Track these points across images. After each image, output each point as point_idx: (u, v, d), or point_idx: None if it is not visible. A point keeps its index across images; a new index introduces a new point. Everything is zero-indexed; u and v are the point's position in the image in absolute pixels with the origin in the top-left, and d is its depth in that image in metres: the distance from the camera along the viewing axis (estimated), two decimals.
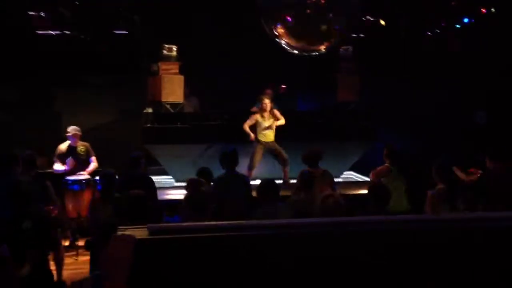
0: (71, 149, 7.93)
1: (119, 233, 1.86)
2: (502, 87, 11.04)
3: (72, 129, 7.98)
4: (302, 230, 2.29)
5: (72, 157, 7.81)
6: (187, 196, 4.22)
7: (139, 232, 1.92)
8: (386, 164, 6.75)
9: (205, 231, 1.96)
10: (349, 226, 2.43)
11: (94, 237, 3.78)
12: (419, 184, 6.96)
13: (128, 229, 1.94)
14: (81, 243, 7.41)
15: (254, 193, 5.81)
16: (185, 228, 1.99)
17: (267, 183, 5.40)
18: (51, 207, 6.08)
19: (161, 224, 1.96)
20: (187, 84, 9.92)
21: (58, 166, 7.84)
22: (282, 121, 8.89)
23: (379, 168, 6.77)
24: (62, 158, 7.84)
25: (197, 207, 4.06)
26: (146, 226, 1.94)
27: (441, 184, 5.41)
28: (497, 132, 10.74)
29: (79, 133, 8.00)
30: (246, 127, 8.80)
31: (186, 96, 10.14)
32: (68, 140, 7.98)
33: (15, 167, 6.00)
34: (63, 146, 7.97)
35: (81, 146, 8.01)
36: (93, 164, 8.00)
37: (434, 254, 2.32)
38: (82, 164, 7.93)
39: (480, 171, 6.49)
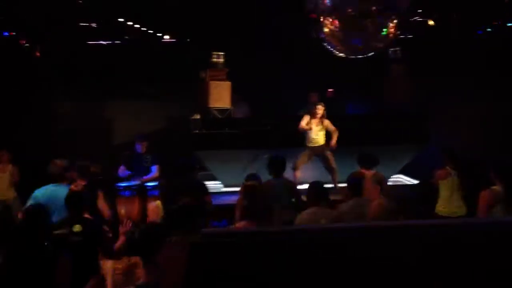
0: (137, 156, 8.14)
1: (173, 237, 1.87)
2: None
3: (138, 137, 8.22)
4: (355, 234, 2.23)
5: (136, 164, 8.04)
6: (244, 205, 4.07)
7: (193, 237, 1.92)
8: (447, 168, 6.69)
9: (258, 236, 1.94)
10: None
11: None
12: (476, 187, 6.81)
13: (182, 233, 1.94)
14: None
15: (304, 198, 5.77)
16: (239, 233, 1.97)
17: (316, 186, 5.34)
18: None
19: (215, 229, 1.95)
20: (237, 91, 10.00)
21: (122, 171, 8.09)
22: (335, 133, 8.69)
23: (439, 171, 6.74)
24: (127, 164, 8.08)
25: (255, 216, 3.94)
26: (199, 230, 1.94)
27: (499, 185, 5.23)
28: None
29: (145, 141, 8.19)
30: (302, 126, 8.60)
31: (236, 102, 10.23)
32: (136, 147, 8.17)
33: (69, 176, 6.17)
34: (130, 152, 8.21)
35: (147, 154, 8.18)
36: (154, 173, 8.13)
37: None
38: (145, 171, 8.09)
39: None
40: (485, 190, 5.25)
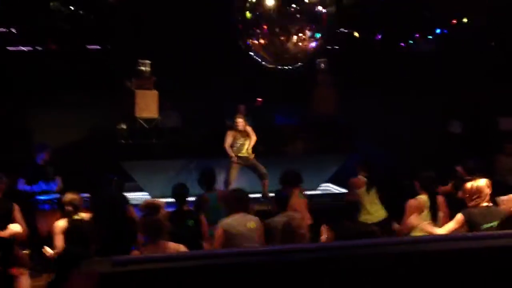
0: (38, 168, 7.62)
1: (80, 267, 1.71)
2: (476, 98, 11.18)
3: (39, 146, 7.69)
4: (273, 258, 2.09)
5: (37, 176, 7.52)
6: (141, 221, 4.07)
7: (102, 265, 1.77)
8: (360, 176, 6.91)
9: (174, 261, 1.81)
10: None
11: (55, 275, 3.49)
12: (395, 193, 7.05)
13: (90, 262, 1.78)
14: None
15: None
16: (152, 259, 1.84)
17: (236, 193, 5.33)
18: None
19: (126, 256, 1.81)
20: (167, 99, 9.84)
21: (21, 184, 7.53)
22: (253, 140, 8.76)
23: (353, 179, 6.89)
24: (27, 177, 7.52)
25: (151, 232, 3.94)
26: (109, 258, 1.79)
27: (424, 194, 5.50)
28: (472, 142, 10.85)
29: (47, 151, 7.64)
30: (227, 147, 8.64)
31: (167, 110, 10.05)
32: (37, 157, 7.62)
33: None
34: (30, 164, 7.65)
35: (49, 165, 7.67)
36: (57, 185, 7.73)
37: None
38: (47, 183, 7.68)
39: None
40: (411, 199, 5.49)
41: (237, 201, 5.19)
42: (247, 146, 8.74)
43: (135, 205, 8.24)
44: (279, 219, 5.39)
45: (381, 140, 10.76)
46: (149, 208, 4.19)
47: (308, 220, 6.21)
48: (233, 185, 8.68)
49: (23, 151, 9.97)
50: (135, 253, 3.98)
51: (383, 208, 6.92)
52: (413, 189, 5.67)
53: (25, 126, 10.65)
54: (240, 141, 8.70)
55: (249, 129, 8.79)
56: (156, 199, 5.67)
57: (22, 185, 7.50)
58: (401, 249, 2.04)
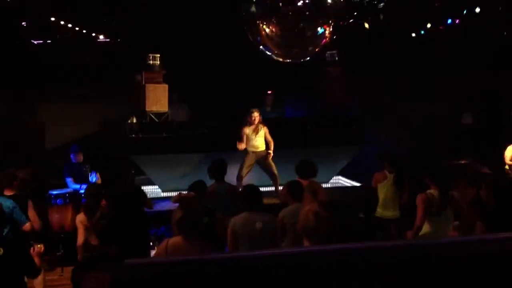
0: (75, 166, 8.28)
1: (93, 272, 1.69)
2: (488, 88, 11.08)
3: (74, 147, 8.35)
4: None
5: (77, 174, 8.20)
6: (179, 216, 3.92)
7: (115, 269, 1.74)
8: (384, 171, 6.89)
9: (188, 265, 1.78)
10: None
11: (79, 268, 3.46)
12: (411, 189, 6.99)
13: (103, 266, 1.76)
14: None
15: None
16: (168, 263, 1.80)
17: (250, 190, 5.30)
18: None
19: (141, 259, 1.78)
20: (176, 92, 9.86)
21: (71, 183, 8.16)
22: (271, 143, 8.65)
23: (376, 174, 6.91)
24: (73, 175, 8.21)
25: (189, 228, 3.83)
26: (123, 261, 1.76)
27: (434, 189, 5.40)
28: (483, 133, 10.77)
29: (81, 151, 8.35)
30: (241, 146, 8.56)
31: (176, 103, 10.05)
32: (71, 157, 8.29)
33: None
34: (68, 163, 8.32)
35: (84, 162, 8.36)
36: (97, 180, 8.10)
37: None
38: (84, 180, 8.09)
39: None
40: (421, 194, 5.40)
41: (247, 199, 5.16)
42: (261, 143, 8.66)
43: (153, 199, 8.38)
44: (287, 209, 5.46)
45: (392, 131, 10.70)
46: (185, 202, 4.07)
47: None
48: (245, 179, 8.66)
49: (34, 144, 10.06)
50: (162, 247, 3.82)
51: (398, 208, 6.87)
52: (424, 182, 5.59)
53: (37, 119, 10.70)
54: (253, 137, 8.59)
55: (265, 130, 8.65)
56: (190, 193, 5.57)
57: (72, 184, 8.13)
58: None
